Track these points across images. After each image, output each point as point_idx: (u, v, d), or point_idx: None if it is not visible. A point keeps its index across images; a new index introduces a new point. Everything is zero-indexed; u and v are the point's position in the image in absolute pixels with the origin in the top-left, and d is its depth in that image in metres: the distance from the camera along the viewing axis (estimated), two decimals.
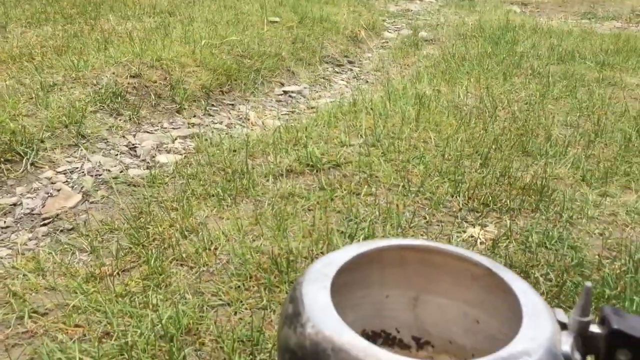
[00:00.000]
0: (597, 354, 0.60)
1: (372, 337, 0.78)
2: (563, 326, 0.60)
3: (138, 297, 1.16)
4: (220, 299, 1.15)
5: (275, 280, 1.21)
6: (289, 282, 1.20)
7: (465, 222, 1.51)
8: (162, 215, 1.53)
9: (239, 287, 1.19)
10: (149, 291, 1.19)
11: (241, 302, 1.14)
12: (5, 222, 1.58)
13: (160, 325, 1.03)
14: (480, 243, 1.41)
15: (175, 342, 0.99)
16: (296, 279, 0.66)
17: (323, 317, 0.57)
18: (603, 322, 0.59)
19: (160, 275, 1.24)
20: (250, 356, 0.98)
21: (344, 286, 0.73)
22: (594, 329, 0.59)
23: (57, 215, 1.62)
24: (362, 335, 0.77)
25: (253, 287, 1.19)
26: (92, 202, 1.68)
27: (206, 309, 1.12)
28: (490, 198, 1.58)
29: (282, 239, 1.36)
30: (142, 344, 0.99)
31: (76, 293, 1.20)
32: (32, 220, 1.61)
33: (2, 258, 1.41)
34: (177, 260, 1.32)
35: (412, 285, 0.77)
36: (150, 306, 1.12)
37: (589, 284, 0.58)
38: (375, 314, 0.78)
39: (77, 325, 1.07)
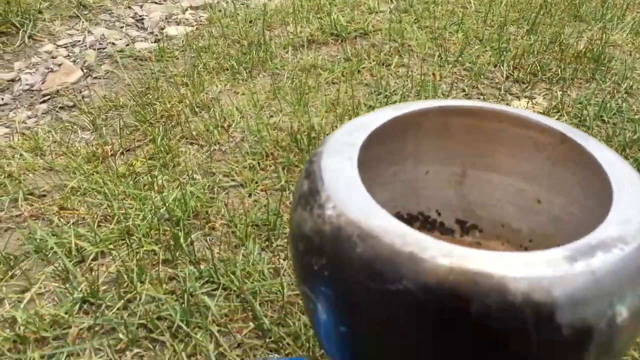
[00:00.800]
0: None
1: (408, 220, 0.65)
2: None
3: (142, 178, 1.04)
4: (233, 180, 1.03)
5: (294, 159, 1.07)
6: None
7: (510, 94, 1.33)
8: (170, 90, 1.39)
9: (253, 167, 1.06)
10: (155, 171, 1.06)
11: (256, 182, 1.02)
12: (2, 99, 1.45)
13: (165, 208, 0.92)
14: None
15: (182, 227, 0.88)
16: (315, 150, 0.52)
17: (347, 196, 0.43)
18: None
19: (168, 154, 1.12)
20: (267, 242, 0.87)
21: (371, 160, 0.59)
22: None
23: (58, 91, 1.48)
24: (396, 218, 0.65)
25: (269, 166, 1.06)
26: (95, 78, 1.53)
27: (217, 190, 1.00)
28: (539, 67, 1.39)
29: (302, 115, 1.22)
30: (145, 228, 0.88)
31: (75, 174, 1.09)
32: (31, 97, 1.48)
33: None
34: (186, 138, 1.18)
35: (457, 158, 0.62)
36: (156, 187, 1.00)
37: None
38: (412, 193, 0.64)
39: (74, 209, 0.96)
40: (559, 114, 1.23)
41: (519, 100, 1.31)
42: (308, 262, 0.44)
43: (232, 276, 0.78)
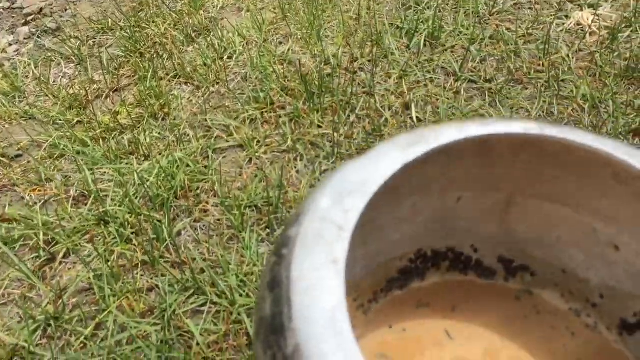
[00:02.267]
0: None
1: (433, 258, 0.49)
2: None
3: (127, 135, 0.89)
4: (232, 138, 0.86)
5: (304, 108, 0.89)
6: (321, 110, 0.89)
7: (569, 2, 1.09)
8: (164, 12, 1.19)
9: (254, 119, 0.89)
10: (141, 125, 0.91)
11: (258, 142, 0.85)
12: None
13: (146, 185, 0.77)
14: (591, 34, 1.02)
15: (166, 212, 0.74)
16: (288, 222, 0.36)
17: (326, 353, 0.28)
18: None
19: (158, 100, 0.95)
20: (267, 229, 0.72)
21: (382, 195, 0.42)
22: None
23: (41, 10, 1.30)
24: (418, 257, 0.49)
25: (274, 118, 0.89)
26: None
27: (211, 156, 0.84)
28: None
29: (315, 43, 1.02)
30: (123, 214, 0.74)
31: (55, 124, 0.94)
32: (12, 17, 1.30)
33: None
34: (179, 77, 1.01)
35: (501, 182, 0.45)
36: (141, 151, 0.85)
37: None
38: (438, 226, 0.47)
39: (48, 180, 0.83)
40: (632, 28, 1.00)
41: (581, 10, 1.07)
42: None
43: (223, 285, 0.65)
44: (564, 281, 0.46)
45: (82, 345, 0.61)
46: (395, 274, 0.48)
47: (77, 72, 1.09)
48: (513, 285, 0.48)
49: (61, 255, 0.71)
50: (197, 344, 0.60)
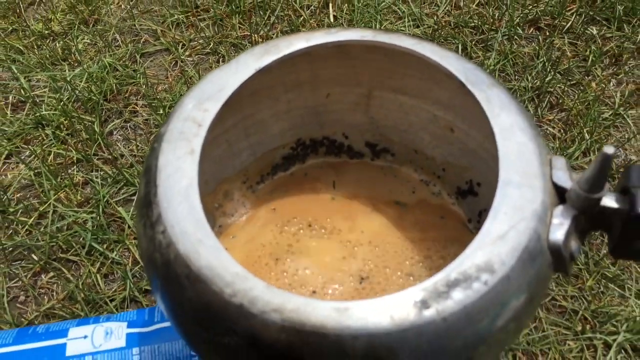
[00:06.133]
0: (605, 231, 0.40)
1: (312, 146, 0.58)
2: (560, 194, 0.39)
3: (59, 42, 0.94)
4: (159, 42, 0.92)
5: (225, 11, 0.95)
6: (242, 11, 0.95)
7: None
8: None
9: (180, 24, 0.95)
10: (73, 31, 0.96)
11: (183, 45, 0.91)
12: None
13: (78, 90, 0.84)
14: None
15: (98, 114, 0.81)
16: (160, 126, 0.44)
17: (179, 218, 0.37)
18: (625, 192, 0.38)
19: (88, 6, 0.99)
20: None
21: (256, 94, 0.51)
22: (609, 202, 0.38)
23: None
24: (298, 145, 0.58)
25: (198, 22, 0.95)
26: None
27: (139, 60, 0.90)
28: None
29: None
30: (58, 117, 0.81)
31: None
32: None
33: None
34: None
35: (362, 79, 0.53)
36: (73, 57, 0.91)
37: (609, 149, 0.34)
38: (314, 119, 0.56)
39: None
40: None
41: None
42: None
43: None
44: (416, 159, 0.56)
45: (27, 232, 0.70)
46: (279, 160, 0.57)
47: None
48: (378, 163, 0.58)
49: (3, 157, 0.78)
50: (129, 226, 0.70)
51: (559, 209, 0.37)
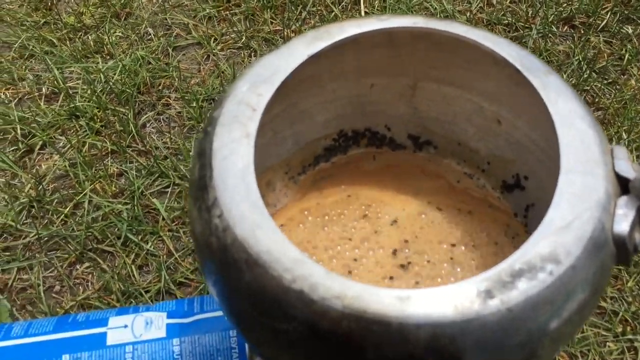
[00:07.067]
0: None
1: (354, 137, 0.57)
2: (623, 185, 0.38)
3: (91, 35, 0.94)
4: (191, 36, 0.92)
5: (257, 5, 0.95)
6: (274, 6, 0.94)
7: None
8: None
9: (211, 18, 0.95)
10: (105, 24, 0.96)
11: (215, 39, 0.91)
12: None
13: (110, 83, 0.84)
14: None
15: (131, 106, 0.81)
16: (212, 109, 0.44)
17: (237, 201, 0.37)
18: None
19: (120, 0, 0.99)
20: None
21: (302, 82, 0.50)
22: None
23: None
24: (340, 136, 0.57)
25: (229, 16, 0.94)
26: None
27: (171, 54, 0.90)
28: None
29: None
30: (92, 109, 0.81)
31: (23, 26, 0.99)
32: None
33: None
34: None
35: (407, 69, 0.53)
36: (106, 49, 0.91)
37: None
38: (357, 109, 0.56)
39: (20, 79, 0.89)
40: None
41: None
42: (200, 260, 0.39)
43: (184, 170, 0.74)
44: (460, 151, 0.55)
45: (63, 222, 0.70)
46: (321, 151, 0.56)
47: None
48: (420, 156, 0.57)
49: (38, 147, 0.79)
50: (163, 218, 0.70)
51: (623, 199, 0.37)
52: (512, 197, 0.53)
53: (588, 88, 0.83)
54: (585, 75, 0.83)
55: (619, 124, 0.78)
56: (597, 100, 0.82)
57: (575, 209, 0.35)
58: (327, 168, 0.56)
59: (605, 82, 0.84)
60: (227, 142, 0.39)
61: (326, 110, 0.54)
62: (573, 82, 0.83)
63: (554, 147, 0.44)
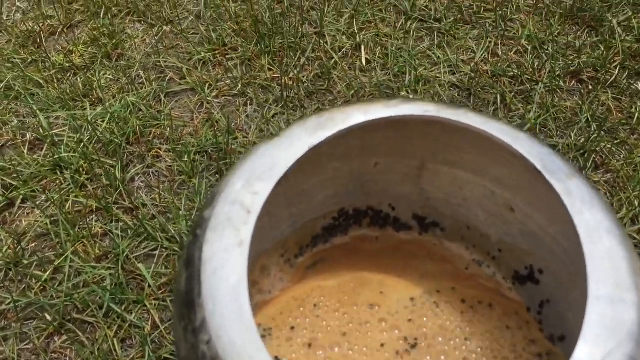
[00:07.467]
0: None
1: (355, 216, 0.53)
2: None
3: (80, 77, 0.90)
4: (184, 81, 0.89)
5: (254, 50, 0.91)
6: (272, 51, 0.91)
7: None
8: None
9: (206, 62, 0.91)
10: (96, 65, 0.92)
11: (210, 86, 0.87)
12: None
13: (98, 132, 0.80)
14: None
15: (119, 158, 0.77)
16: (204, 203, 0.40)
17: (227, 326, 0.32)
18: None
19: (112, 40, 0.96)
20: (217, 175, 0.76)
21: (302, 164, 0.46)
22: None
23: None
24: (341, 215, 0.54)
25: (225, 61, 0.91)
26: None
27: (164, 100, 0.86)
28: None
29: None
30: (77, 160, 0.77)
31: (10, 63, 0.95)
32: None
33: None
34: (133, 14, 1.01)
35: (415, 151, 0.49)
36: (95, 93, 0.87)
37: None
38: (359, 188, 0.52)
39: (5, 123, 0.85)
40: None
41: None
42: None
43: (173, 231, 0.70)
44: (469, 236, 0.51)
45: (41, 288, 0.66)
46: (320, 231, 0.52)
47: (30, 7, 1.08)
48: (426, 237, 0.53)
49: (19, 201, 0.74)
50: (149, 285, 0.65)
51: None
52: (524, 289, 0.49)
53: (597, 148, 0.79)
54: (594, 135, 0.80)
55: (631, 189, 0.74)
56: (606, 161, 0.78)
57: (605, 345, 0.31)
58: (327, 249, 0.53)
59: (615, 142, 0.81)
60: (217, 250, 0.35)
61: (326, 189, 0.50)
62: (582, 141, 0.80)
63: (575, 250, 0.40)
